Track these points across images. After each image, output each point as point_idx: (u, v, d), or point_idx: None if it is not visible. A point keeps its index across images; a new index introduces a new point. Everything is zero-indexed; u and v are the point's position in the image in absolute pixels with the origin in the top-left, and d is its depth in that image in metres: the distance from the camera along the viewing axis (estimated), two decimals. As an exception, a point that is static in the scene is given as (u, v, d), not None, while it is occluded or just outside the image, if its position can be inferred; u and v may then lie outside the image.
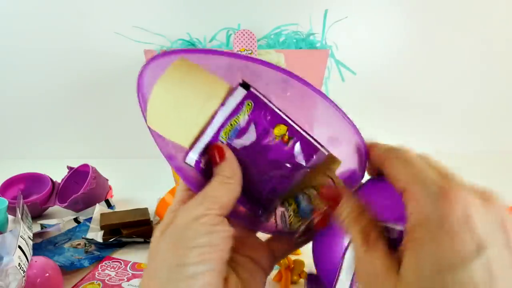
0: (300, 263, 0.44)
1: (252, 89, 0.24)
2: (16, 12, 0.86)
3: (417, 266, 0.16)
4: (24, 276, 0.37)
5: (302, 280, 0.45)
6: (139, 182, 0.82)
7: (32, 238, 0.44)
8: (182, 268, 0.20)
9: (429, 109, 0.98)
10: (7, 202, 0.56)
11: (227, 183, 0.23)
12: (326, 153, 0.25)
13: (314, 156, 0.24)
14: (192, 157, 0.24)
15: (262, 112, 0.24)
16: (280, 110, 0.24)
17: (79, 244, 0.53)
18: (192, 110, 0.23)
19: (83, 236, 0.54)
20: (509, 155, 0.99)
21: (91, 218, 0.59)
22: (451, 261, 0.16)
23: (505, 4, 0.89)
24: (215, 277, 0.21)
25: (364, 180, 0.25)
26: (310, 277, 0.26)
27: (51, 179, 0.68)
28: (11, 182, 0.68)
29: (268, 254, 0.27)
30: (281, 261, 0.43)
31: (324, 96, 0.22)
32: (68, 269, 0.47)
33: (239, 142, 0.24)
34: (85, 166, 0.67)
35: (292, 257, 0.45)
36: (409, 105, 0.97)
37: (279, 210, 0.26)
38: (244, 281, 0.24)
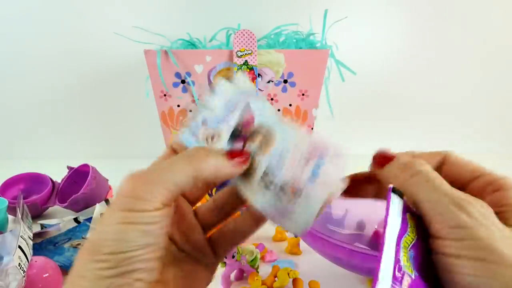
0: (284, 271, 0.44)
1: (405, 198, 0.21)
2: (16, 13, 0.86)
3: None
4: (24, 276, 0.37)
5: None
6: (139, 182, 0.82)
7: (32, 238, 0.44)
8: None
9: (428, 109, 0.98)
10: (7, 202, 0.56)
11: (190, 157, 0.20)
12: None
13: None
14: None
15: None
16: None
17: (79, 244, 0.53)
18: None
19: (83, 236, 0.54)
20: (509, 156, 0.99)
21: (91, 218, 0.59)
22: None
23: (505, 4, 0.89)
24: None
25: None
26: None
27: (51, 179, 0.68)
28: (11, 182, 0.68)
29: (210, 249, 0.25)
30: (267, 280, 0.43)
31: None
32: (68, 269, 0.47)
33: None
34: (85, 166, 0.67)
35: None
36: (409, 105, 0.98)
37: None
38: (186, 278, 0.23)
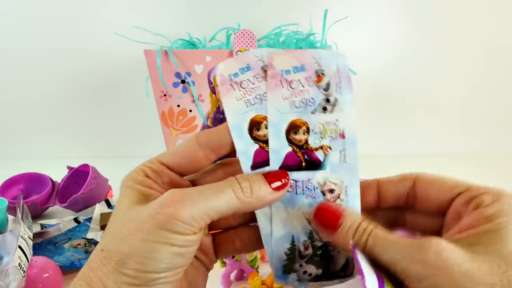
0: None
1: None
2: (15, 12, 0.86)
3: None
4: (24, 276, 0.37)
5: None
6: (139, 182, 0.82)
7: (32, 238, 0.44)
8: None
9: (429, 109, 0.98)
10: (7, 202, 0.56)
11: (243, 199, 0.20)
12: None
13: None
14: None
15: None
16: None
17: (79, 244, 0.53)
18: None
19: (83, 236, 0.54)
20: (509, 156, 0.99)
21: (91, 218, 0.59)
22: None
23: (505, 5, 0.89)
24: None
25: None
26: None
27: (51, 179, 0.68)
28: (11, 182, 0.68)
29: (209, 250, 0.25)
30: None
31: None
32: (68, 269, 0.47)
33: None
34: (85, 166, 0.67)
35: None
36: (409, 105, 0.97)
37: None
38: (188, 277, 0.22)
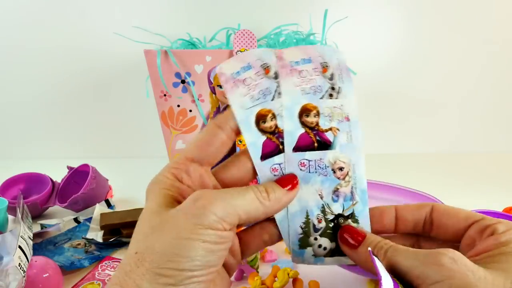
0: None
1: None
2: (16, 12, 0.86)
3: None
4: (24, 276, 0.37)
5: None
6: (139, 182, 0.81)
7: (32, 238, 0.44)
8: None
9: (429, 109, 0.98)
10: (7, 202, 0.56)
11: (263, 203, 0.21)
12: None
13: None
14: None
15: None
16: None
17: (79, 244, 0.53)
18: None
19: (83, 236, 0.54)
20: (508, 155, 0.99)
21: (91, 218, 0.59)
22: None
23: (504, 4, 0.89)
24: None
25: None
26: None
27: (51, 179, 0.68)
28: (11, 182, 0.68)
29: (236, 251, 0.25)
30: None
31: None
32: (68, 269, 0.47)
33: None
34: (85, 166, 0.67)
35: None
36: (409, 105, 0.97)
37: None
38: (216, 286, 0.22)
